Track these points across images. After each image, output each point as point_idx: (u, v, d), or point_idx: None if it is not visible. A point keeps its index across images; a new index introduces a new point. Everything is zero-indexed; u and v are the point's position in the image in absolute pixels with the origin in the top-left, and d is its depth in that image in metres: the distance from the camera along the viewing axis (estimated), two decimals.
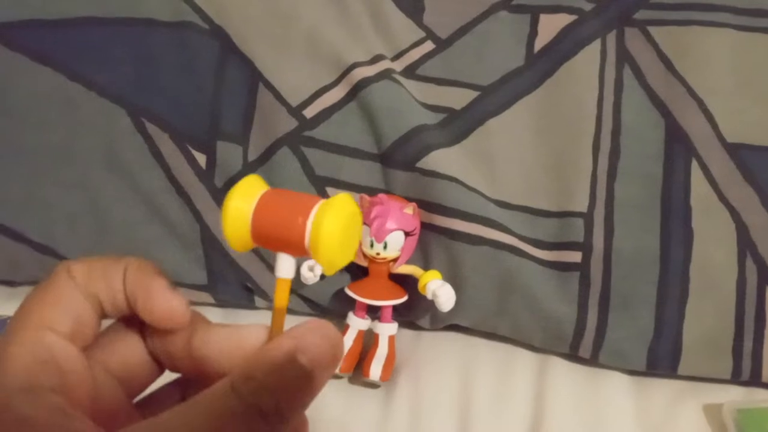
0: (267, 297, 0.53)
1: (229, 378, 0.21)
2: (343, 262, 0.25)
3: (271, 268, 0.52)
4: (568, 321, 0.49)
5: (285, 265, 0.25)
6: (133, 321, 0.25)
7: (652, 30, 0.53)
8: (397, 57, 0.54)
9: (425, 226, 0.50)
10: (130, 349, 0.25)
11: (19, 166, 0.52)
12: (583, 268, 0.49)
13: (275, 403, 0.21)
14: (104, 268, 0.24)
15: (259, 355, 0.22)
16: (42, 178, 0.52)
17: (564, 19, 0.54)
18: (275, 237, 0.25)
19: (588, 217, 0.50)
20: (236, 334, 0.24)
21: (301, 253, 0.25)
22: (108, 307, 0.24)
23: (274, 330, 0.25)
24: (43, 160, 0.52)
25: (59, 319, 0.23)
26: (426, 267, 0.50)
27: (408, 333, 0.54)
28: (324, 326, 0.23)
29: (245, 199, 0.25)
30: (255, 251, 0.52)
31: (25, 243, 0.52)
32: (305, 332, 0.23)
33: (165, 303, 0.24)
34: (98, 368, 0.24)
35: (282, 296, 0.25)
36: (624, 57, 0.53)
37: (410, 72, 0.54)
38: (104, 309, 0.24)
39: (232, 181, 0.51)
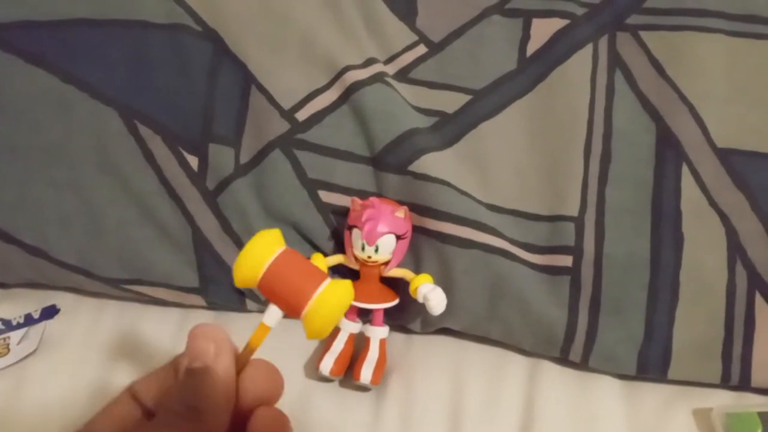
0: (259, 300, 0.53)
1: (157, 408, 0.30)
2: (323, 336, 0.30)
3: None
4: (559, 325, 0.49)
5: (274, 316, 0.30)
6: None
7: (644, 35, 0.54)
8: (389, 60, 0.54)
9: (417, 230, 0.50)
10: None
11: (12, 166, 0.52)
12: (574, 272, 0.49)
13: (185, 404, 0.28)
14: (158, 382, 0.31)
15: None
16: (34, 179, 0.52)
17: (556, 24, 0.54)
18: (279, 292, 0.29)
19: (579, 222, 0.50)
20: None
21: (293, 314, 0.29)
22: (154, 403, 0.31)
23: (240, 361, 0.30)
24: (36, 160, 0.52)
25: (101, 427, 0.30)
26: (417, 270, 0.50)
27: (399, 336, 0.54)
28: (205, 327, 0.29)
29: (267, 249, 0.29)
30: None
31: (17, 244, 0.52)
32: (191, 340, 0.29)
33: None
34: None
35: (258, 339, 0.30)
36: (616, 62, 0.53)
37: (403, 75, 0.54)
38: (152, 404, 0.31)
39: (224, 184, 0.51)
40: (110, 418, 0.30)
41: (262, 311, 0.54)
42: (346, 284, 0.30)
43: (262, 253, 0.29)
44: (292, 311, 0.29)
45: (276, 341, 0.52)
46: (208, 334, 0.29)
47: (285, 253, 0.29)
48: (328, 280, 0.29)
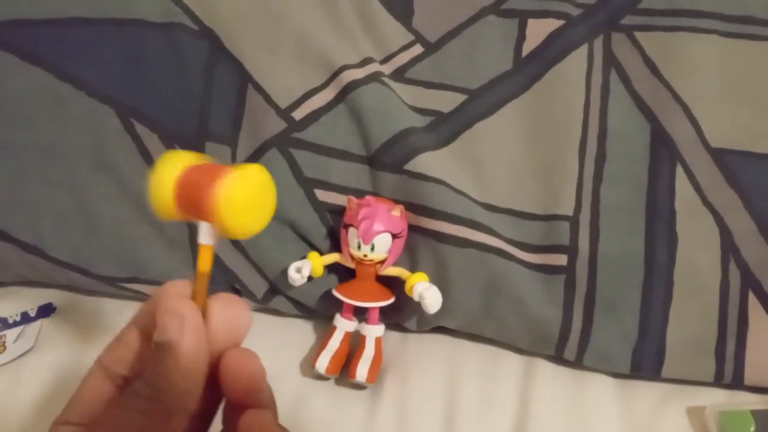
0: (255, 298, 0.53)
1: None
2: (249, 229, 0.27)
3: (258, 269, 0.52)
4: (554, 323, 0.50)
5: (205, 232, 0.27)
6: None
7: (639, 35, 0.54)
8: (386, 60, 0.54)
9: (412, 229, 0.50)
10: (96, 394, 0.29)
11: (7, 164, 0.52)
12: (569, 271, 0.50)
13: (145, 383, 0.26)
14: (117, 340, 0.29)
15: None
16: (30, 177, 0.52)
17: (552, 24, 0.54)
18: (193, 204, 0.27)
19: (574, 221, 0.50)
20: None
21: (209, 217, 0.27)
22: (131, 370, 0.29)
23: (197, 294, 0.28)
24: (32, 158, 0.52)
25: (76, 413, 0.28)
26: (413, 269, 0.50)
27: (395, 335, 0.54)
28: (165, 302, 0.27)
29: (171, 170, 0.27)
30: (243, 254, 0.52)
31: (12, 242, 0.52)
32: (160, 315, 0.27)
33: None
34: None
35: (205, 262, 0.28)
36: (611, 62, 0.54)
37: (399, 75, 0.54)
38: (130, 372, 0.29)
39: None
40: (82, 402, 0.28)
41: (259, 309, 0.55)
42: (252, 167, 0.27)
43: (166, 175, 0.27)
44: (209, 216, 0.27)
45: (271, 339, 0.53)
46: (176, 306, 0.27)
47: (190, 168, 0.27)
48: (231, 170, 0.27)
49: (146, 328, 0.29)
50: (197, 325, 0.27)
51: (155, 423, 0.26)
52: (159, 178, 0.27)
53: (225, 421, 0.29)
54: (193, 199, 0.27)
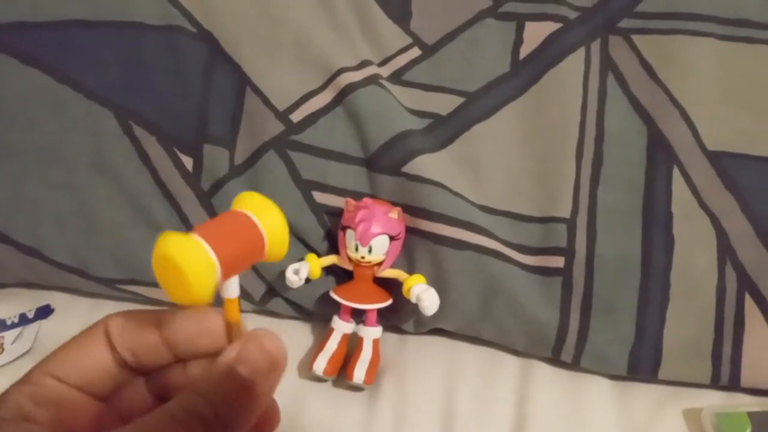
0: (253, 300, 0.53)
1: (178, 395, 0.23)
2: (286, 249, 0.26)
3: (256, 271, 0.52)
4: (551, 325, 0.50)
5: (232, 287, 0.25)
6: (96, 333, 0.26)
7: (636, 38, 0.54)
8: (383, 63, 0.54)
9: (410, 231, 0.50)
10: (94, 361, 0.26)
11: (6, 166, 0.52)
12: (566, 273, 0.50)
13: (214, 411, 0.23)
14: (139, 324, 0.26)
15: (206, 369, 0.24)
16: (29, 179, 0.52)
17: (549, 27, 0.54)
18: (241, 257, 0.25)
19: (571, 223, 0.50)
20: (198, 321, 0.26)
21: (261, 257, 0.25)
22: (143, 358, 0.26)
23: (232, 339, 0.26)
24: (31, 160, 0.52)
25: (69, 371, 0.25)
26: (410, 271, 0.51)
27: (392, 337, 0.54)
28: (264, 336, 0.25)
29: (196, 250, 0.23)
30: None
31: (11, 244, 0.52)
32: (246, 343, 0.24)
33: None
34: (60, 385, 0.25)
35: (235, 313, 0.26)
36: (608, 65, 0.54)
37: (396, 78, 0.54)
38: (137, 359, 0.26)
39: (218, 184, 0.51)
40: (78, 361, 0.25)
41: (257, 311, 0.55)
42: (253, 196, 0.26)
43: (198, 258, 0.23)
44: (259, 256, 0.25)
45: None
46: (272, 347, 0.25)
47: (201, 231, 0.24)
48: (247, 211, 0.25)
49: (179, 335, 0.26)
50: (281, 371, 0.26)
51: None
52: (195, 259, 0.23)
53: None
54: (242, 248, 0.25)
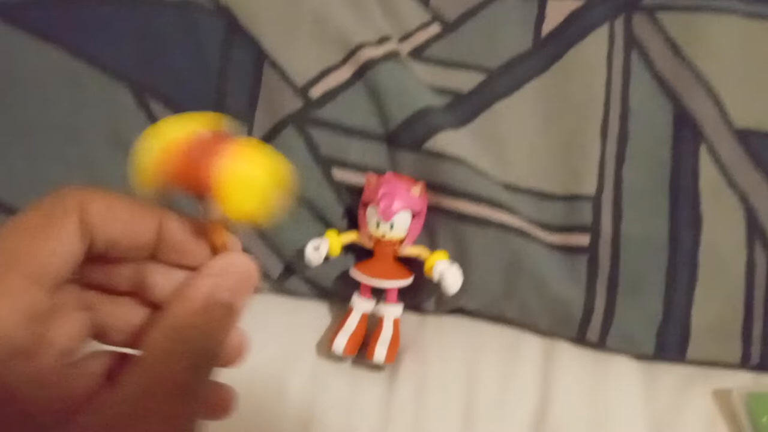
0: (271, 279, 0.52)
1: (162, 330, 0.22)
2: (249, 210, 0.24)
3: (275, 249, 0.51)
4: (576, 304, 0.49)
5: (212, 210, 0.25)
6: (68, 221, 0.23)
7: (660, 15, 0.53)
8: (403, 39, 0.54)
9: (432, 208, 0.49)
10: (64, 254, 0.22)
11: (23, 143, 0.51)
12: (592, 251, 0.49)
13: (206, 341, 0.23)
14: (131, 218, 0.24)
15: (182, 298, 0.23)
16: (45, 156, 0.51)
17: (572, 4, 0.54)
18: (189, 175, 0.24)
19: (596, 201, 0.49)
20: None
21: (209, 193, 0.24)
22: (119, 251, 0.24)
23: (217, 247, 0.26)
24: (47, 137, 0.51)
25: (50, 271, 0.21)
26: (432, 249, 0.50)
27: (412, 318, 0.53)
28: (233, 259, 0.25)
29: (173, 132, 0.24)
30: (259, 234, 0.51)
31: None
32: (220, 270, 0.25)
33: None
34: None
35: (218, 236, 0.26)
36: (632, 42, 0.53)
37: (417, 54, 0.53)
38: (112, 251, 0.24)
39: None
40: (51, 259, 0.21)
41: (273, 289, 0.54)
42: (262, 145, 0.24)
43: (167, 133, 0.23)
44: (204, 189, 0.24)
45: (287, 321, 0.52)
46: (247, 267, 0.25)
47: (195, 134, 0.24)
48: (239, 142, 0.24)
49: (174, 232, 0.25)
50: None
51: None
52: (155, 137, 0.23)
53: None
54: (191, 168, 0.23)
